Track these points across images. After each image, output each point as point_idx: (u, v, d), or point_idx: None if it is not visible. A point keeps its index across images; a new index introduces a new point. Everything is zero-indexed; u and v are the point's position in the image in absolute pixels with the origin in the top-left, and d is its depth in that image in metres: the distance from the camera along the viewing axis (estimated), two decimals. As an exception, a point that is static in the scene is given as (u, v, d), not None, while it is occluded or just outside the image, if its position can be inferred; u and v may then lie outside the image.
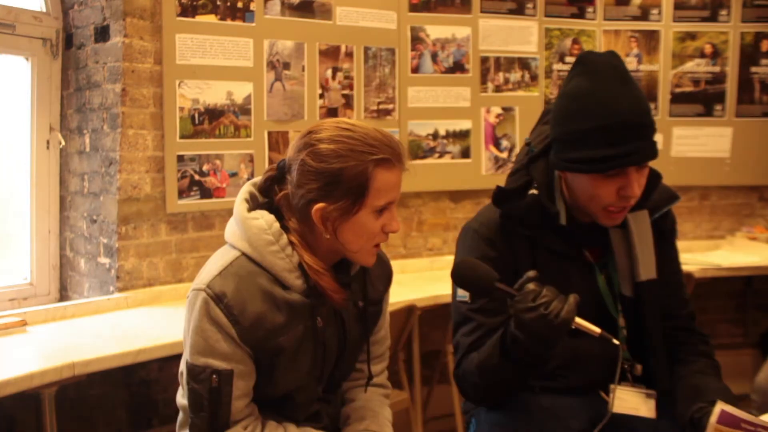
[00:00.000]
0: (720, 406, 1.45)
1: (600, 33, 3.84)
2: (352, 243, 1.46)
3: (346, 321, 1.57)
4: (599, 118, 1.58)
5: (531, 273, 1.53)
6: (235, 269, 1.45)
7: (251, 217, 1.47)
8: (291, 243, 1.47)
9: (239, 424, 1.46)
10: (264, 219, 1.47)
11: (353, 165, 1.41)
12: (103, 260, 2.88)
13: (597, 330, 1.52)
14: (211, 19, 2.98)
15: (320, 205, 1.43)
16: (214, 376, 1.41)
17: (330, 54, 3.31)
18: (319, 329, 1.51)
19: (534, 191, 1.73)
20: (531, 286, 1.51)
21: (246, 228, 1.47)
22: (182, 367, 1.49)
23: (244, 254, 1.47)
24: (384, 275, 1.68)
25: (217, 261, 1.49)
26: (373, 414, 1.67)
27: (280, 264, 1.45)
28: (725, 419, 1.44)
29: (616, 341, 1.53)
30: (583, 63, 1.67)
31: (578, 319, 1.50)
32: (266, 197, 1.55)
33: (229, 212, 1.54)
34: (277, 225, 1.47)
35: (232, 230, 1.51)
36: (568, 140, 1.64)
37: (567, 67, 3.77)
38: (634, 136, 1.58)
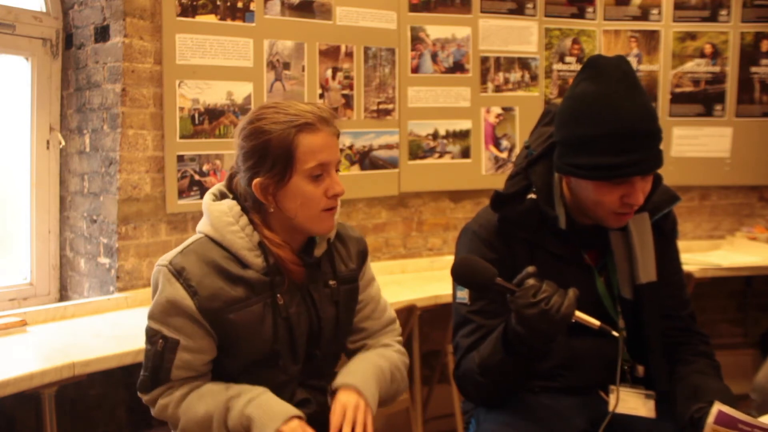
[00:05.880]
0: (717, 407, 1.45)
1: (600, 33, 3.84)
2: (292, 210, 1.55)
3: (318, 301, 1.62)
4: (607, 124, 1.56)
5: (530, 268, 1.53)
6: (195, 247, 1.57)
7: (215, 203, 1.60)
8: (253, 222, 1.57)
9: (176, 385, 1.57)
10: (226, 204, 1.59)
11: (277, 135, 1.52)
12: (103, 260, 2.88)
13: (596, 323, 1.53)
14: (211, 19, 2.98)
15: (257, 179, 1.54)
16: (161, 341, 1.54)
17: (330, 54, 3.31)
18: (281, 306, 1.57)
19: (532, 195, 1.72)
20: (531, 281, 1.51)
21: (210, 213, 1.58)
22: None
23: (206, 236, 1.58)
24: (359, 252, 1.74)
25: (182, 244, 1.60)
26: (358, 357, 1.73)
27: (239, 243, 1.55)
28: (722, 420, 1.44)
29: (615, 333, 1.54)
30: (593, 67, 1.64)
31: (578, 313, 1.51)
32: (232, 193, 1.66)
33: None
34: (237, 208, 1.58)
35: (201, 221, 1.63)
36: (573, 144, 1.62)
37: (567, 67, 3.80)
38: (641, 145, 1.56)
